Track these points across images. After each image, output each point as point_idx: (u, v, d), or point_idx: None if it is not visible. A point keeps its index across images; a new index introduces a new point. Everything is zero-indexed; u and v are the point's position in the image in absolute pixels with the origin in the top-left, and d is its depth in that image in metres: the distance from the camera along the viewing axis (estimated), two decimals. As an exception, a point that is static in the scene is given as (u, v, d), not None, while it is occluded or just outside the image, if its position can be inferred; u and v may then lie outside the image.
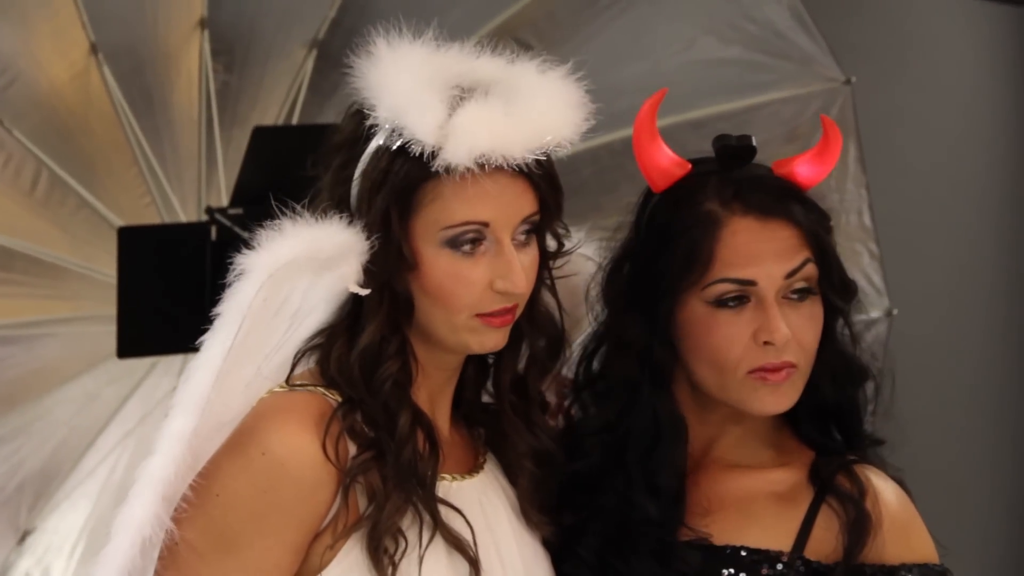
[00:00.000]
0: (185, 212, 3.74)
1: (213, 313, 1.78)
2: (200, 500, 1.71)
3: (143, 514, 1.70)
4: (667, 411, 1.96)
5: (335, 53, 3.78)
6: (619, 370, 1.98)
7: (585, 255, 2.05)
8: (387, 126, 1.77)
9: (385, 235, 1.78)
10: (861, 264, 3.84)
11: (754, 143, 1.98)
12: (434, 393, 1.87)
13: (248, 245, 1.78)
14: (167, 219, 3.70)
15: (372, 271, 1.78)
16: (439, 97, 1.77)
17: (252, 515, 1.71)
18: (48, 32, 3.59)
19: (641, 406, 1.96)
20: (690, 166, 1.98)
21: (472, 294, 1.80)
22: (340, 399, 1.79)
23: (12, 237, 3.57)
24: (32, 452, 3.65)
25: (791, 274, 1.92)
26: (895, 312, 3.87)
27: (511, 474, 1.93)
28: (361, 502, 1.76)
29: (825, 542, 1.92)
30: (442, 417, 1.89)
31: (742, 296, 1.92)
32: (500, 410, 1.93)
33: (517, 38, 3.76)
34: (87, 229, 3.66)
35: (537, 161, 1.80)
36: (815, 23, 3.80)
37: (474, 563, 1.79)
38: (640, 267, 1.97)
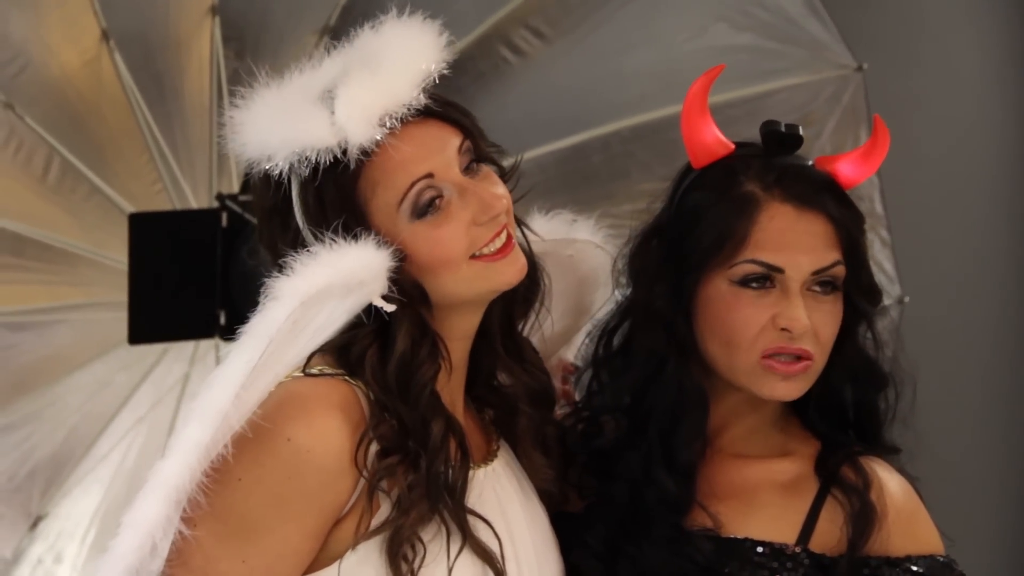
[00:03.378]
0: (196, 199, 3.74)
1: (237, 332, 1.77)
2: (221, 485, 1.71)
3: (154, 516, 1.70)
4: (692, 383, 1.96)
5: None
6: (644, 342, 1.98)
7: (595, 243, 2.05)
8: (288, 163, 1.77)
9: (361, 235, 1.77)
10: (872, 251, 3.82)
11: (801, 132, 1.98)
12: (455, 380, 1.87)
13: (276, 263, 1.78)
14: (178, 206, 3.71)
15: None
16: (311, 105, 1.78)
17: (275, 501, 1.71)
18: (59, 19, 3.59)
19: (667, 378, 1.96)
20: (733, 147, 1.98)
21: (461, 242, 1.80)
22: (362, 387, 1.78)
23: (23, 223, 3.57)
24: (44, 438, 3.66)
25: (819, 271, 1.92)
26: (907, 299, 3.86)
27: (507, 422, 1.93)
28: (383, 502, 1.76)
29: (830, 534, 1.92)
30: (459, 404, 1.89)
31: (767, 279, 1.92)
32: (495, 354, 1.92)
33: (528, 25, 3.75)
34: (98, 215, 3.67)
35: (432, 98, 1.80)
36: (827, 10, 3.79)
37: (501, 574, 1.79)
38: (672, 240, 1.97)
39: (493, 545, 1.80)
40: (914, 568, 1.90)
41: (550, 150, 3.55)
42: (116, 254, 3.58)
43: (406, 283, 1.79)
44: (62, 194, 3.63)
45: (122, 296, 3.45)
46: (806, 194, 1.94)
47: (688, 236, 1.95)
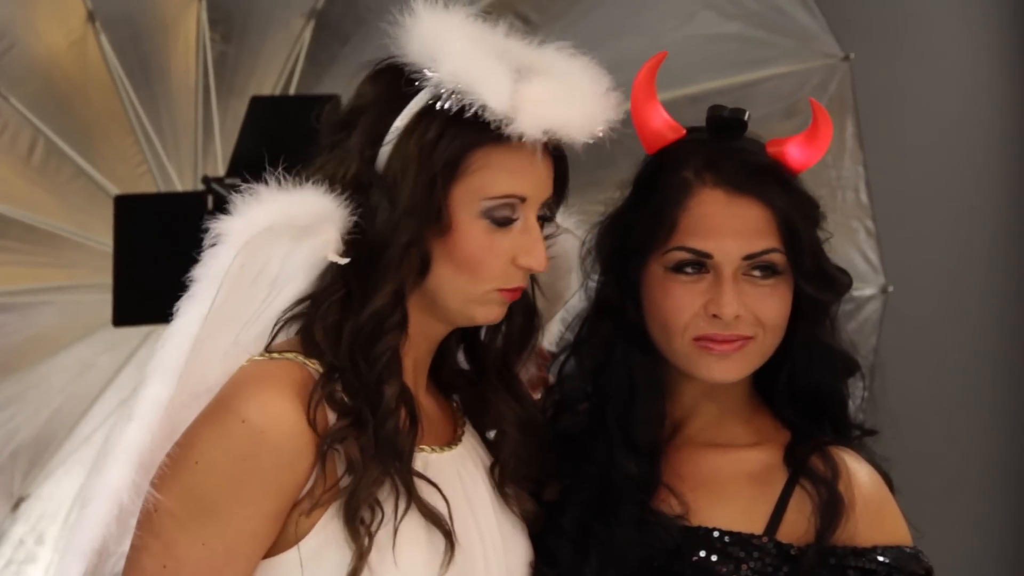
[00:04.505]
0: (181, 181, 3.74)
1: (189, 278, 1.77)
2: (179, 467, 1.71)
3: (119, 481, 1.69)
4: (641, 368, 1.97)
5: (333, 23, 3.77)
6: (597, 330, 1.99)
7: (566, 228, 2.06)
8: (447, 89, 1.76)
9: (426, 197, 1.77)
10: (857, 241, 3.84)
11: (746, 118, 1.97)
12: (417, 363, 1.87)
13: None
14: (163, 188, 3.70)
15: (386, 235, 1.78)
16: (506, 68, 1.78)
17: (231, 483, 1.71)
18: (46, -1, 3.59)
19: (615, 363, 1.97)
20: (684, 132, 1.98)
21: (499, 267, 1.81)
22: (320, 368, 1.78)
23: (8, 205, 3.57)
24: (27, 419, 3.65)
25: (750, 256, 1.92)
26: (891, 289, 3.87)
27: (492, 444, 1.93)
28: (339, 471, 1.76)
29: (798, 524, 1.92)
30: (421, 388, 1.89)
31: (699, 265, 1.92)
32: (486, 381, 1.93)
33: (516, 11, 3.75)
34: (83, 197, 3.66)
35: (560, 149, 1.84)
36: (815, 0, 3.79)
37: (448, 535, 1.79)
38: (620, 228, 1.98)
39: (442, 509, 1.80)
40: (881, 559, 1.90)
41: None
42: (101, 236, 3.57)
43: (422, 249, 1.79)
44: (47, 176, 3.63)
45: (106, 278, 3.45)
46: (738, 179, 1.93)
47: (632, 222, 1.96)
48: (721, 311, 1.89)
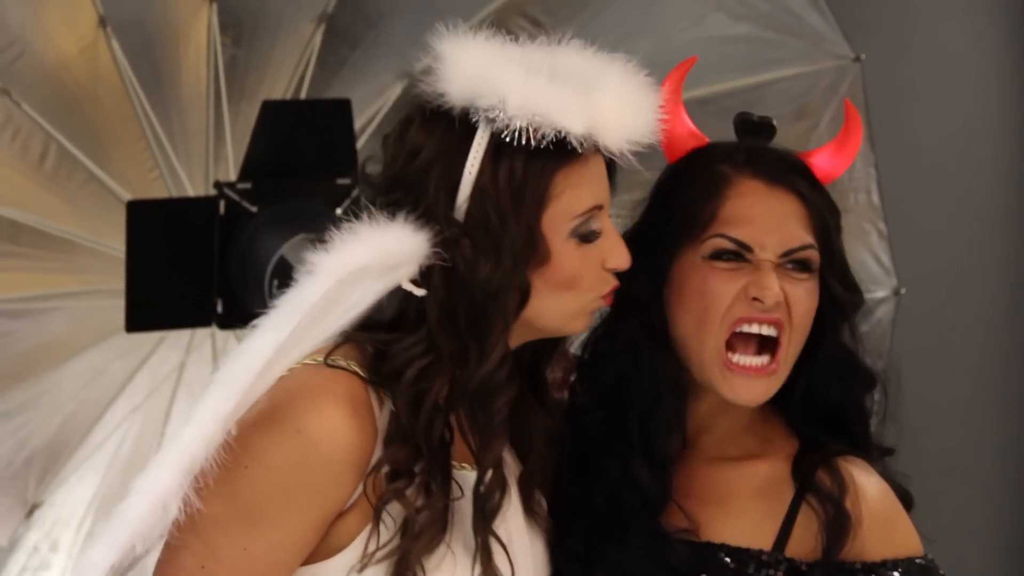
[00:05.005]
0: (193, 186, 3.74)
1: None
2: (228, 471, 1.70)
3: (166, 482, 1.68)
4: (667, 370, 1.96)
5: (344, 27, 3.77)
6: (622, 331, 1.98)
7: None
8: (519, 122, 1.73)
9: (530, 237, 1.76)
10: (869, 243, 3.84)
11: (774, 123, 1.98)
12: None
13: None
14: (175, 193, 3.70)
15: (497, 282, 1.76)
16: (570, 89, 1.76)
17: (280, 490, 1.71)
18: (57, 4, 3.59)
19: (642, 366, 1.96)
20: (707, 141, 1.99)
21: (595, 277, 1.82)
22: (377, 384, 1.76)
23: (20, 210, 3.57)
24: (40, 426, 3.66)
25: (789, 252, 1.92)
26: (903, 291, 3.87)
27: (521, 453, 1.92)
28: (388, 521, 1.75)
29: (805, 540, 1.91)
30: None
31: (738, 255, 1.91)
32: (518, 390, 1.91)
33: (525, 14, 3.75)
34: (95, 203, 3.66)
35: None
36: (825, 1, 3.79)
37: None
38: (645, 225, 1.97)
39: (505, 570, 1.80)
40: (893, 573, 1.89)
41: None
42: (113, 241, 3.57)
43: (523, 282, 1.77)
44: (59, 181, 3.63)
45: (119, 284, 3.45)
46: (776, 171, 1.94)
47: (660, 218, 1.96)
48: (764, 294, 1.89)
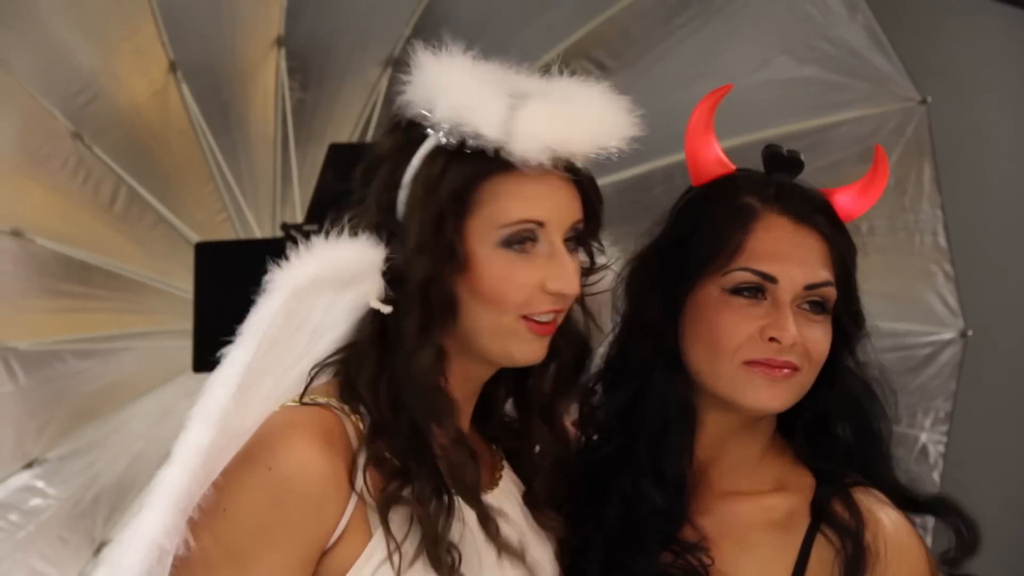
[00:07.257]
0: (260, 228, 3.77)
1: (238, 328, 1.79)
2: (210, 513, 1.72)
3: (159, 523, 1.70)
4: (677, 396, 1.95)
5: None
6: (635, 353, 1.98)
7: (606, 264, 2.06)
8: (445, 126, 1.77)
9: (437, 236, 1.78)
10: (935, 285, 3.82)
11: (802, 158, 1.99)
12: (459, 406, 1.86)
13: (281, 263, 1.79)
14: (242, 235, 3.74)
15: (407, 277, 1.78)
16: (499, 96, 1.78)
17: (259, 530, 1.72)
18: (128, 50, 3.64)
19: (654, 389, 1.96)
20: (733, 168, 1.99)
21: (523, 294, 1.80)
22: (354, 414, 1.78)
23: (91, 252, 3.62)
24: (108, 465, 3.69)
25: (811, 287, 1.92)
26: (970, 333, 3.84)
27: (525, 471, 1.94)
28: (374, 531, 1.76)
29: (821, 574, 1.90)
30: (464, 430, 1.88)
31: (759, 290, 1.92)
32: (530, 422, 1.93)
33: (591, 57, 3.77)
34: (164, 244, 3.70)
35: (582, 171, 1.82)
36: (891, 43, 3.78)
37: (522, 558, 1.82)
38: (666, 251, 1.98)
39: (514, 539, 1.83)
40: None
41: (611, 180, 3.55)
42: (181, 282, 3.61)
43: (443, 290, 1.79)
44: (128, 223, 3.67)
45: (187, 324, 3.48)
46: (803, 210, 1.94)
47: (683, 245, 1.96)
48: (782, 335, 1.89)
